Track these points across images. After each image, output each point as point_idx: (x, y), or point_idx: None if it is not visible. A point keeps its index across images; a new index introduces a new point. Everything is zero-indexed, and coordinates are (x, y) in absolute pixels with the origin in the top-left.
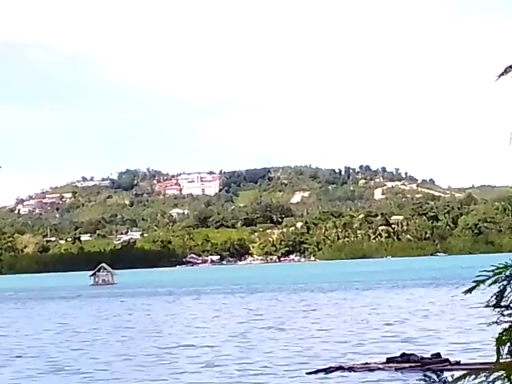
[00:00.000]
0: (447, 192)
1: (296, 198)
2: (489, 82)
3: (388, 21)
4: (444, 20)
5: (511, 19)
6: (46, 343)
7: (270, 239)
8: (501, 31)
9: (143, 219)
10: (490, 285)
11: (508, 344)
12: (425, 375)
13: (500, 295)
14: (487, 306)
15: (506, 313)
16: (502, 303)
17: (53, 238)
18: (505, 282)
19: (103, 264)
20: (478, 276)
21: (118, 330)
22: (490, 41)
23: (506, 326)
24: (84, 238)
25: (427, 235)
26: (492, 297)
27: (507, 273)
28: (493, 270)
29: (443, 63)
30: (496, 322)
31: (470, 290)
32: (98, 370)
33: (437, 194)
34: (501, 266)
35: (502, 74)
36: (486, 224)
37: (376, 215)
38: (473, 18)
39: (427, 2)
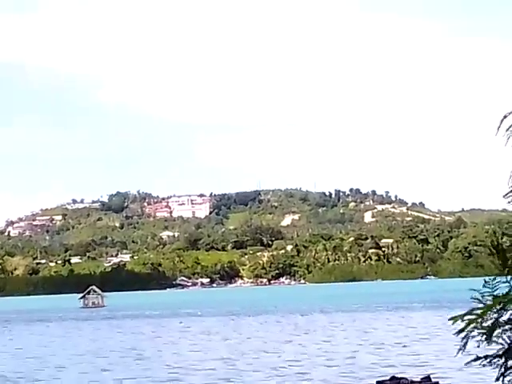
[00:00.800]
0: (437, 215)
1: (286, 220)
2: (480, 108)
3: (379, 44)
4: (436, 46)
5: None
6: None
7: (260, 262)
8: (494, 57)
9: (133, 241)
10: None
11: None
12: None
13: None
14: (477, 359)
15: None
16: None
17: (43, 261)
18: (494, 318)
19: (93, 287)
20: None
21: (94, 355)
22: (483, 65)
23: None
24: (74, 260)
25: (417, 258)
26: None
27: (496, 308)
28: (481, 308)
29: (433, 87)
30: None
31: (461, 331)
32: None
33: (427, 217)
34: (488, 304)
35: (500, 127)
36: (475, 247)
37: (366, 238)
38: (465, 42)
39: (416, 28)
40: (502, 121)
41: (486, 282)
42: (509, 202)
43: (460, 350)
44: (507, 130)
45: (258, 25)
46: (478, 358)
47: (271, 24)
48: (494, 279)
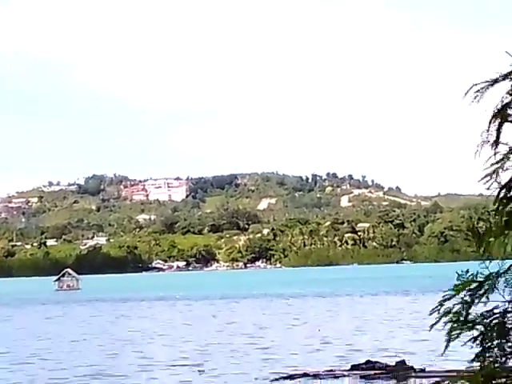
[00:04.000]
0: (413, 200)
1: (263, 204)
2: (454, 91)
3: (358, 36)
4: (411, 31)
5: (480, 32)
6: None
7: (237, 246)
8: (470, 43)
9: (110, 224)
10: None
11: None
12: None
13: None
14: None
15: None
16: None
17: (19, 243)
18: (467, 299)
19: (68, 269)
20: (443, 296)
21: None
22: (453, 49)
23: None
24: (50, 242)
25: (393, 243)
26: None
27: (470, 287)
28: (453, 288)
29: (408, 71)
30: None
31: (435, 324)
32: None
33: (403, 201)
34: (462, 282)
35: (468, 92)
36: (451, 232)
37: (342, 222)
38: (440, 31)
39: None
40: (470, 88)
41: (459, 275)
42: (487, 188)
43: (446, 343)
44: (474, 96)
45: (235, 9)
46: (449, 340)
47: (249, 8)
48: (467, 272)
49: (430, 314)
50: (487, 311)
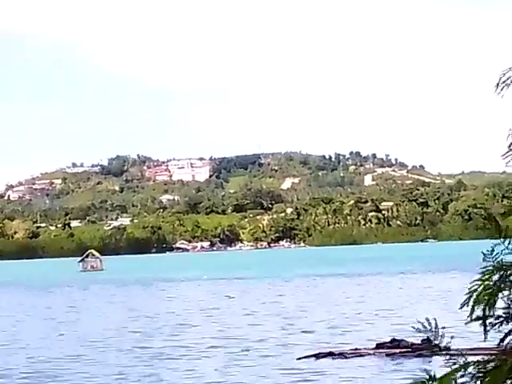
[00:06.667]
0: (437, 178)
1: (286, 184)
2: (478, 69)
3: (378, 14)
4: (436, 12)
5: (505, 14)
6: None
7: (260, 225)
8: (491, 26)
9: (133, 205)
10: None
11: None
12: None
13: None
14: (478, 319)
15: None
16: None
17: (43, 224)
18: (495, 289)
19: (91, 250)
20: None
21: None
22: (480, 33)
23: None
24: (74, 223)
25: (417, 221)
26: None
27: (495, 277)
28: (481, 278)
29: (433, 51)
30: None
31: (464, 305)
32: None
33: (427, 180)
34: (489, 269)
35: (499, 84)
36: (475, 210)
37: (366, 201)
38: (465, 12)
39: None
40: (500, 77)
41: (484, 255)
42: (507, 164)
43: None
44: (503, 84)
45: None
46: (478, 318)
47: None
48: (492, 251)
49: (461, 308)
50: None
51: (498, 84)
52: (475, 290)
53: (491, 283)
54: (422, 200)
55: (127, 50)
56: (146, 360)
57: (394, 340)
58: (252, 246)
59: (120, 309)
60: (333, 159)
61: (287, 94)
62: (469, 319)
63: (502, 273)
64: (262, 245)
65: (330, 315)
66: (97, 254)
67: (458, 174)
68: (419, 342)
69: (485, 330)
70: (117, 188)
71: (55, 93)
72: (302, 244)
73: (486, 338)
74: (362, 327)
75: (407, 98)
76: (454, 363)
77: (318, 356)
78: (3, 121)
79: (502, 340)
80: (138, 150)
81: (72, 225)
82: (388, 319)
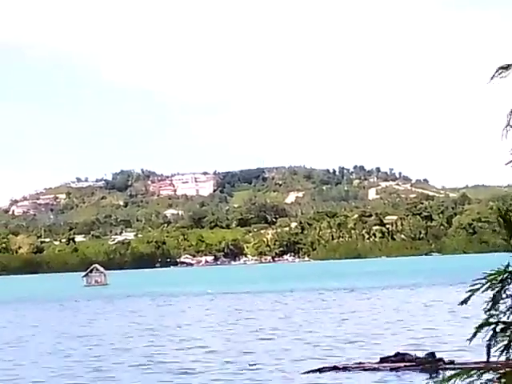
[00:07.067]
0: (441, 192)
1: (290, 198)
2: (482, 82)
3: (382, 23)
4: (439, 22)
5: (506, 16)
6: None
7: (264, 239)
8: (496, 29)
9: (137, 220)
10: (483, 291)
11: (500, 344)
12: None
13: (494, 300)
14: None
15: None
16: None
17: (47, 239)
18: (498, 288)
19: (96, 265)
20: (472, 285)
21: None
22: (484, 40)
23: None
24: (78, 238)
25: (421, 235)
26: (487, 302)
27: (499, 278)
28: (485, 277)
29: (437, 63)
30: (489, 323)
31: (465, 301)
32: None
33: (431, 193)
34: (493, 272)
35: (494, 76)
36: (479, 224)
37: (370, 215)
38: (468, 16)
39: (419, 2)
40: (496, 71)
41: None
42: None
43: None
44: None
45: (252, 3)
46: (481, 326)
47: (265, 2)
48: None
49: (461, 304)
50: None
51: (492, 77)
52: (477, 290)
53: (496, 282)
54: (426, 214)
55: (128, 60)
56: (154, 374)
57: (398, 354)
58: (256, 260)
59: (124, 323)
60: (337, 173)
61: (291, 108)
62: (472, 337)
63: (506, 275)
64: (266, 259)
65: (335, 329)
66: (101, 268)
67: (462, 187)
68: (423, 355)
69: (488, 353)
70: (121, 203)
71: (58, 107)
72: (307, 258)
73: (471, 341)
74: (367, 341)
75: (411, 112)
76: (458, 374)
77: (322, 370)
78: (8, 135)
79: (503, 351)
80: (142, 165)
81: (76, 240)
82: (392, 333)
